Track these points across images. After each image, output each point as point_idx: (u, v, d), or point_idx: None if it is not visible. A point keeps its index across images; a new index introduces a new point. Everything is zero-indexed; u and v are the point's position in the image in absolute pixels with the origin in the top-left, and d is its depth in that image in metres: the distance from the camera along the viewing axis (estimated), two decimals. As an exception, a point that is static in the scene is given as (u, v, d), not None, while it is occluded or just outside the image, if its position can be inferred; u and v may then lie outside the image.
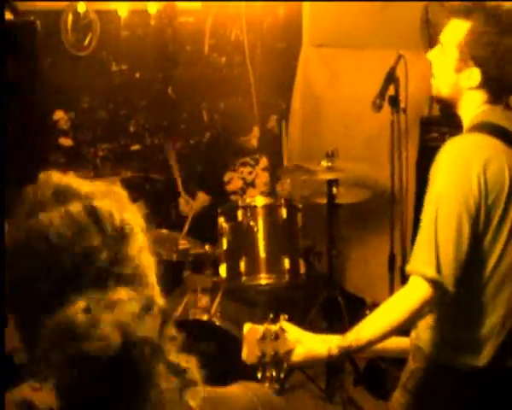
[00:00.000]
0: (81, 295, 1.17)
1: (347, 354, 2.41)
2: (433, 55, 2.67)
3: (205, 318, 4.28)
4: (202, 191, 5.47)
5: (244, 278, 4.41)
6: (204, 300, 4.41)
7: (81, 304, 1.15)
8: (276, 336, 2.23)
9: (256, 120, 5.94)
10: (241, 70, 6.35)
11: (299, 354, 2.30)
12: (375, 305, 5.31)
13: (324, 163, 4.71)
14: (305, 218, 5.07)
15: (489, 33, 2.48)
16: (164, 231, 5.15)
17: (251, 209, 4.53)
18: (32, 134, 5.13)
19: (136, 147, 6.01)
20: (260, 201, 4.59)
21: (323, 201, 4.86)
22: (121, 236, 1.26)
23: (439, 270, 2.32)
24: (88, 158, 5.76)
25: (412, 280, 2.37)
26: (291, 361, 2.28)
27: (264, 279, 4.44)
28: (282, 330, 2.24)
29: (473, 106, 2.58)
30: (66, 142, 5.61)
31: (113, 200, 1.31)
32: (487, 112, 2.56)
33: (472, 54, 2.51)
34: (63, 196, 1.27)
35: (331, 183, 4.75)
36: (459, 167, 2.42)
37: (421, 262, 2.38)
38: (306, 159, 5.66)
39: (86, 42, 5.53)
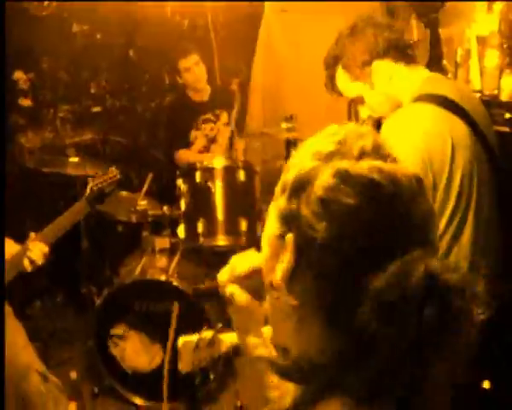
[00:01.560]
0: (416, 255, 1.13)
1: None
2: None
3: (163, 278, 4.33)
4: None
5: (202, 239, 4.46)
6: (162, 260, 4.46)
7: (436, 262, 1.12)
8: (211, 343, 2.31)
9: (214, 80, 5.98)
10: (203, 33, 6.34)
11: None
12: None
13: (284, 125, 4.74)
14: (263, 181, 5.11)
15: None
16: (124, 192, 5.18)
17: (209, 171, 4.56)
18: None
19: (97, 109, 5.99)
20: (219, 162, 4.62)
21: (282, 163, 4.90)
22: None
23: None
24: (48, 119, 5.73)
25: None
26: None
27: (221, 241, 4.49)
28: (216, 335, 2.31)
29: (405, 86, 2.66)
30: (25, 102, 5.57)
31: None
32: (424, 84, 2.63)
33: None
34: (385, 152, 1.25)
35: (289, 143, 4.77)
36: (402, 139, 2.47)
37: None
38: (266, 125, 5.69)
39: (46, 2, 5.48)
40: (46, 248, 3.24)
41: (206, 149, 5.60)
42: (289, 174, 1.25)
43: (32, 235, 3.25)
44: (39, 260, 3.23)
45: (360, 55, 2.63)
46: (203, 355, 2.28)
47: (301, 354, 1.24)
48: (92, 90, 5.98)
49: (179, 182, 4.61)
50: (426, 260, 1.10)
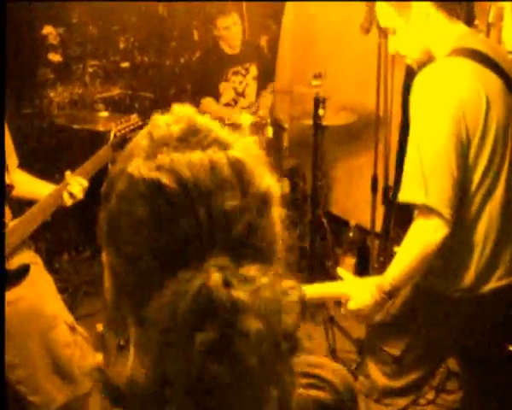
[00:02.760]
0: (212, 263, 0.94)
1: (388, 297, 2.57)
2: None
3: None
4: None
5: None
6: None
7: (217, 276, 0.91)
8: None
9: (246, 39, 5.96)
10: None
11: (353, 306, 2.63)
12: (358, 227, 5.44)
13: (313, 83, 4.72)
14: (291, 138, 5.11)
15: None
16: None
17: (236, 127, 4.56)
18: (22, 49, 5.13)
19: (125, 64, 6.00)
20: (246, 119, 4.62)
21: (310, 122, 4.88)
22: (263, 202, 1.05)
23: (427, 195, 2.39)
24: (77, 74, 5.74)
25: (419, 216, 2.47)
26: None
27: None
28: None
29: (441, 37, 2.63)
30: (55, 57, 5.58)
31: (256, 159, 1.08)
32: (460, 39, 2.60)
33: None
34: (201, 137, 1.05)
35: (318, 102, 4.76)
36: (435, 93, 2.46)
37: (410, 190, 2.45)
38: (296, 80, 5.67)
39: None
40: (85, 182, 3.27)
41: (234, 102, 5.60)
42: None
43: (68, 172, 3.28)
44: (79, 194, 3.25)
45: None
46: None
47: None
48: (121, 46, 5.97)
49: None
50: (208, 274, 0.91)
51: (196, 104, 5.58)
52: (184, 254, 0.96)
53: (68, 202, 3.25)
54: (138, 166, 1.01)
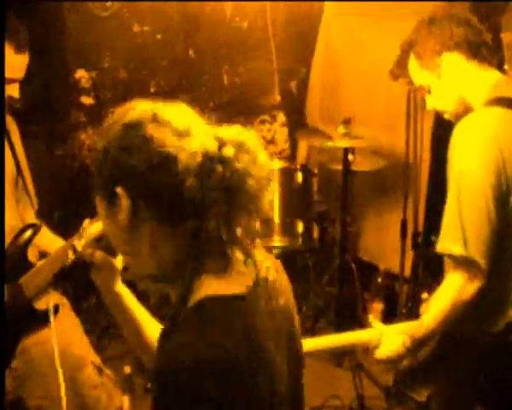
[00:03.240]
0: None
1: (419, 346, 2.56)
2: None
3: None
4: None
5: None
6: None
7: None
8: None
9: (275, 84, 5.99)
10: (262, 34, 6.36)
11: (381, 354, 2.59)
12: (387, 272, 5.41)
13: (341, 130, 4.73)
14: (321, 183, 5.12)
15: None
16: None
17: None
18: (55, 92, 5.20)
19: (155, 107, 6.04)
20: (276, 164, 4.64)
21: (339, 167, 4.89)
22: None
23: (466, 246, 2.38)
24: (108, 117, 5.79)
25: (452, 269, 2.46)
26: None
27: (277, 242, 4.51)
28: None
29: (475, 87, 2.64)
30: (87, 100, 5.66)
31: None
32: (496, 87, 2.61)
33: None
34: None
35: (347, 150, 4.77)
36: (474, 144, 2.46)
37: (448, 240, 2.44)
38: (324, 125, 5.69)
39: (109, 3, 5.55)
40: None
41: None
42: None
43: (87, 221, 3.28)
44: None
45: (432, 44, 2.63)
46: None
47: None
48: (152, 89, 6.03)
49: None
50: None
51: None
52: None
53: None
54: None
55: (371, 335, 2.68)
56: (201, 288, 1.46)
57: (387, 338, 2.61)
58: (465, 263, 2.40)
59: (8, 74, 2.96)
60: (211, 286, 1.46)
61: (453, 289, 2.46)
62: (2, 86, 2.94)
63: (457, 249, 2.40)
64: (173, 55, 6.07)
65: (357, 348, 2.96)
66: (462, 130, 2.50)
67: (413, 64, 2.75)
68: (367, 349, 2.76)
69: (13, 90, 3.02)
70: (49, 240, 3.34)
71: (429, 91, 2.74)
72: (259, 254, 1.63)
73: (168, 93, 6.11)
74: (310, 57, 6.38)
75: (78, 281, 5.46)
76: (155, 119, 1.54)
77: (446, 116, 2.73)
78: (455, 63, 2.63)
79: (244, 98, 5.67)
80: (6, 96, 3.01)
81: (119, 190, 1.49)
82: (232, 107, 5.86)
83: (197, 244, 1.48)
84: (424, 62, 2.68)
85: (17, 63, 2.98)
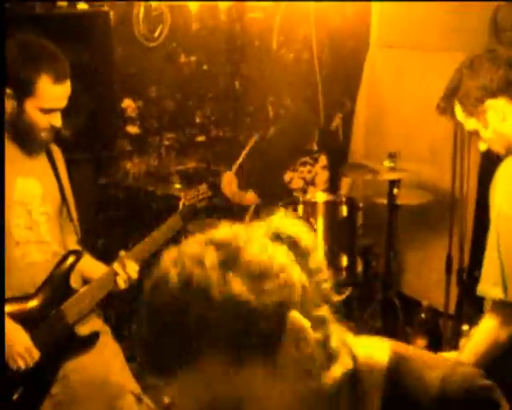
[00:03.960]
0: None
1: None
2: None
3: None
4: (252, 190, 5.55)
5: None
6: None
7: None
8: None
9: (319, 122, 6.00)
10: (308, 67, 6.37)
11: None
12: (430, 308, 5.34)
13: (387, 163, 4.71)
14: (365, 217, 5.09)
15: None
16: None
17: (311, 205, 4.57)
18: (101, 120, 5.25)
19: (201, 138, 6.09)
20: (321, 197, 4.63)
21: (384, 201, 4.85)
22: None
23: (505, 290, 2.35)
24: (153, 146, 5.85)
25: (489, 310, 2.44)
26: None
27: (321, 275, 4.48)
28: None
29: None
30: (132, 130, 5.71)
31: None
32: None
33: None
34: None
35: (393, 183, 4.74)
36: None
37: (488, 283, 2.41)
38: (369, 159, 5.66)
39: (157, 33, 5.60)
40: (136, 266, 3.27)
41: (303, 191, 5.60)
42: None
43: (122, 253, 3.29)
44: (134, 275, 3.25)
45: (474, 91, 2.59)
46: None
47: None
48: (197, 120, 6.07)
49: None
50: None
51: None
52: None
53: (122, 285, 3.25)
54: None
55: None
56: None
57: None
58: (503, 306, 2.37)
59: (47, 104, 2.99)
60: None
61: (489, 331, 2.44)
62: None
63: (496, 293, 2.37)
64: (219, 85, 6.11)
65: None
66: (505, 170, 2.47)
67: (459, 110, 2.72)
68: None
69: (55, 120, 3.05)
70: (91, 266, 3.36)
71: (479, 136, 2.71)
72: None
73: (214, 123, 6.15)
74: (356, 91, 6.37)
75: (120, 307, 5.50)
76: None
77: (502, 153, 2.69)
78: (500, 108, 2.59)
79: (287, 137, 5.67)
80: (48, 125, 3.04)
81: None
82: (275, 142, 5.86)
83: None
84: (468, 110, 2.65)
85: (56, 93, 3.00)
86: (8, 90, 2.93)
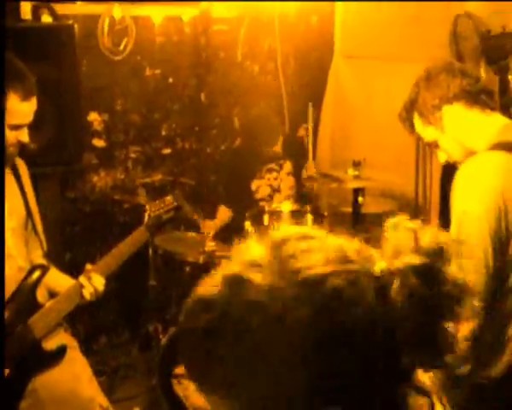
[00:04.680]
0: None
1: None
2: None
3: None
4: (223, 205, 5.58)
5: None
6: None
7: None
8: None
9: (284, 129, 6.04)
10: (273, 78, 6.42)
11: None
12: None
13: (351, 172, 4.76)
14: (331, 226, 5.13)
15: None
16: (191, 233, 5.25)
17: (277, 214, 4.60)
18: (67, 134, 5.25)
19: (167, 151, 6.10)
20: (287, 207, 4.66)
21: (349, 209, 4.91)
22: None
23: None
24: (120, 160, 5.86)
25: None
26: None
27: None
28: None
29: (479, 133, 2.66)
30: (99, 143, 5.71)
31: None
32: (500, 132, 2.62)
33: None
34: None
35: (357, 191, 4.79)
36: (477, 185, 2.48)
37: None
38: (335, 168, 5.72)
39: (122, 46, 5.60)
40: (102, 279, 3.28)
41: (270, 198, 5.63)
42: None
43: (89, 266, 3.30)
44: (100, 287, 3.25)
45: (431, 99, 2.66)
46: None
47: None
48: (163, 133, 6.09)
49: (247, 224, 4.67)
50: None
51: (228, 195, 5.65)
52: None
53: (88, 298, 3.25)
54: None
55: None
56: None
57: None
58: None
59: (14, 121, 3.00)
60: None
61: None
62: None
63: None
64: (185, 98, 6.13)
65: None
66: (463, 173, 2.52)
67: (418, 122, 2.78)
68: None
69: (22, 136, 3.06)
70: (58, 280, 3.36)
71: (437, 146, 2.76)
72: None
73: (180, 136, 6.17)
74: (320, 101, 6.43)
75: (89, 322, 5.49)
76: None
77: (458, 166, 2.74)
78: (456, 114, 2.66)
79: (253, 144, 5.69)
80: (16, 141, 3.05)
81: None
82: (242, 152, 5.89)
83: None
84: (426, 119, 2.71)
85: (24, 110, 3.02)
86: None
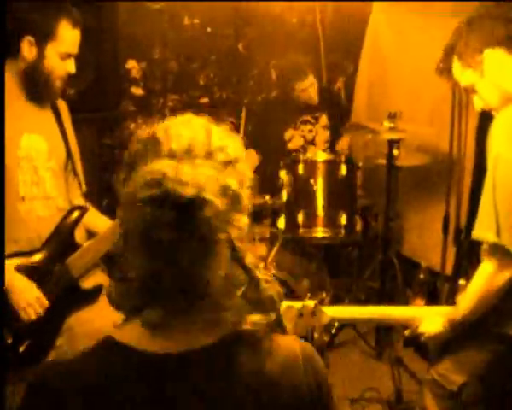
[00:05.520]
0: None
1: (456, 329, 2.67)
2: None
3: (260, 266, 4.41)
4: (254, 149, 5.60)
5: (301, 231, 4.55)
6: (261, 249, 4.55)
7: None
8: (313, 313, 2.45)
9: (321, 82, 6.04)
10: (311, 31, 6.41)
11: (426, 335, 2.70)
12: (429, 269, 5.40)
13: (387, 124, 4.74)
14: (365, 178, 5.14)
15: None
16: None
17: (311, 164, 4.64)
18: (106, 81, 5.30)
19: (204, 100, 6.13)
20: (321, 156, 4.70)
21: (384, 161, 4.90)
22: None
23: (498, 234, 2.41)
24: (157, 108, 5.90)
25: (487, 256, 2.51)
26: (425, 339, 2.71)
27: (320, 232, 4.57)
28: (318, 305, 2.44)
29: None
30: (137, 91, 5.76)
31: None
32: None
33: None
34: None
35: (392, 143, 4.78)
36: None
37: (483, 228, 2.47)
38: (371, 121, 5.71)
39: (160, -5, 5.63)
40: None
41: (303, 150, 5.63)
42: None
43: None
44: None
45: (473, 42, 2.65)
46: (305, 323, 2.38)
47: None
48: (201, 82, 6.12)
49: (282, 173, 4.72)
50: None
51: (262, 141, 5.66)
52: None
53: None
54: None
55: (415, 313, 2.76)
56: None
57: (429, 319, 2.68)
58: (498, 251, 2.43)
59: (65, 49, 3.09)
60: None
61: (485, 277, 2.50)
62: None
63: (490, 237, 2.43)
64: (223, 48, 6.15)
65: (399, 324, 3.06)
66: (500, 120, 2.53)
67: (456, 66, 2.77)
68: (407, 343, 2.82)
69: (70, 66, 3.15)
70: (96, 220, 3.43)
71: (474, 91, 2.76)
72: None
73: (217, 85, 6.20)
74: (358, 54, 6.40)
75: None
76: None
77: (494, 113, 2.74)
78: (497, 59, 2.65)
79: (289, 96, 5.69)
80: (64, 72, 3.13)
81: None
82: (279, 102, 5.90)
83: None
84: (466, 61, 2.70)
85: (74, 37, 3.12)
86: (30, 38, 3.02)
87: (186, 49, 6.00)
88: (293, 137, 5.62)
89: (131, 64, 5.70)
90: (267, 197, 4.74)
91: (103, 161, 5.44)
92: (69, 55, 3.13)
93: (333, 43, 6.46)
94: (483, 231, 2.46)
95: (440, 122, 5.11)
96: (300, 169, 4.64)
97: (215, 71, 6.16)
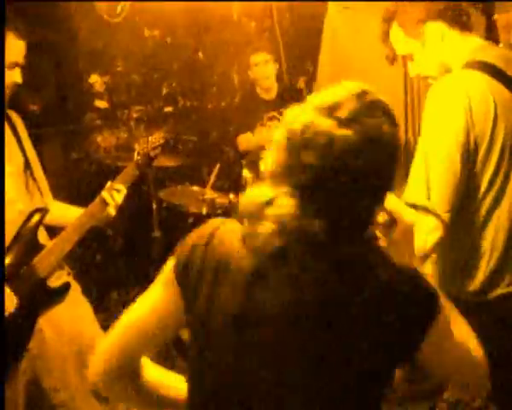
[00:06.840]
0: None
1: None
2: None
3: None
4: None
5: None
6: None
7: None
8: None
9: (283, 81, 6.13)
10: (270, 35, 6.51)
11: None
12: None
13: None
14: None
15: None
16: (195, 187, 5.36)
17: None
18: (70, 96, 5.38)
19: (168, 109, 6.21)
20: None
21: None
22: None
23: (429, 197, 2.49)
24: (122, 120, 5.97)
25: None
26: None
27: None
28: None
29: (456, 51, 2.76)
30: (101, 104, 5.83)
31: None
32: (475, 51, 2.73)
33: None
34: None
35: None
36: (445, 102, 2.56)
37: (413, 192, 2.55)
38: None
39: (118, 9, 5.70)
40: (124, 188, 3.46)
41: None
42: None
43: (109, 183, 3.47)
44: (119, 199, 3.43)
45: (417, 13, 2.74)
46: None
47: None
48: (164, 92, 6.20)
49: (245, 172, 4.78)
50: None
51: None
52: None
53: (113, 212, 3.41)
54: None
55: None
56: None
57: None
58: (428, 214, 2.50)
59: (12, 58, 3.19)
60: None
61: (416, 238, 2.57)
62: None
63: (421, 200, 2.50)
64: (184, 57, 6.23)
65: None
66: (434, 90, 2.61)
67: (396, 33, 2.84)
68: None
69: (16, 76, 3.24)
70: (66, 212, 3.53)
71: (412, 59, 2.85)
72: None
73: (180, 94, 6.28)
74: (316, 55, 6.50)
75: (100, 278, 5.62)
76: None
77: (430, 81, 2.83)
78: (438, 31, 2.73)
79: (254, 95, 5.79)
80: (10, 82, 3.22)
81: None
82: (242, 104, 5.99)
83: None
84: (408, 31, 2.78)
85: (20, 47, 3.22)
86: None
87: (148, 60, 6.08)
88: (260, 134, 5.68)
89: (94, 78, 5.78)
90: (232, 196, 4.81)
91: (70, 176, 5.49)
92: (15, 65, 3.23)
93: (292, 45, 6.55)
94: (414, 195, 2.52)
95: (399, 115, 5.20)
96: (262, 166, 4.69)
97: (177, 80, 6.24)
